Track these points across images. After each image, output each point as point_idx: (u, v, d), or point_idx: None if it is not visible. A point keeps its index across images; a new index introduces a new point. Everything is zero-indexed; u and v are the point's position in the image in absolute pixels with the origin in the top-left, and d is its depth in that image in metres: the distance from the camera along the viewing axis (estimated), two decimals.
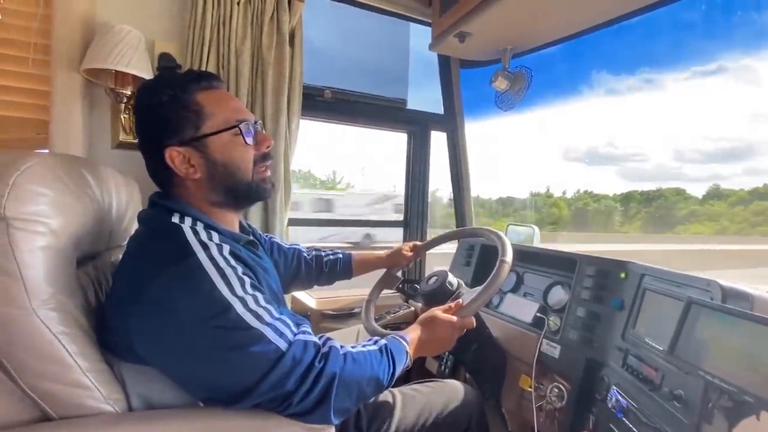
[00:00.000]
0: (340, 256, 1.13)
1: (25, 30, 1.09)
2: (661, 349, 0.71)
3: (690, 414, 0.63)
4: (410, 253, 1.15)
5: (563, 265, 1.14)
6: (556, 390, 0.97)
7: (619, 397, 0.78)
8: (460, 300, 0.84)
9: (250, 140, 0.69)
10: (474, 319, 0.81)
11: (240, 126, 0.67)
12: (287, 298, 1.35)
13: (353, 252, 1.17)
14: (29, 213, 0.51)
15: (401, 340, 0.72)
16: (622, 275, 0.92)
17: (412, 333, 0.75)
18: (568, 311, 1.02)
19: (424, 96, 1.88)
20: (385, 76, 1.81)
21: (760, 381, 0.52)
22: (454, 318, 0.77)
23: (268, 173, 0.74)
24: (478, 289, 0.83)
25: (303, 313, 1.49)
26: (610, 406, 0.80)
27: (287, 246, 1.08)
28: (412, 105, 1.72)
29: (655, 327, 0.77)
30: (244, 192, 0.71)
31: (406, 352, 0.71)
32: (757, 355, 0.53)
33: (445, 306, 0.82)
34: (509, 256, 0.84)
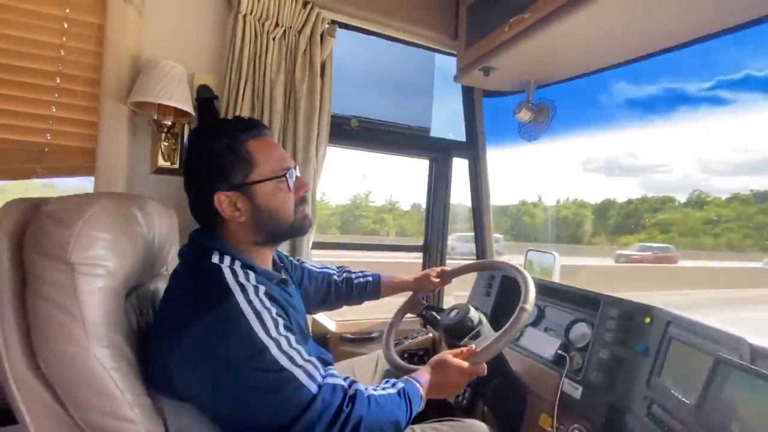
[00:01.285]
0: (370, 278, 1.16)
1: (78, 65, 1.18)
2: (688, 403, 0.71)
3: None
4: (437, 280, 1.17)
5: (586, 302, 1.14)
6: None
7: None
8: (474, 345, 0.84)
9: (292, 188, 0.74)
10: (485, 367, 0.81)
11: (286, 175, 0.73)
12: (310, 319, 1.38)
13: (382, 274, 1.20)
14: (91, 257, 0.55)
15: (416, 383, 0.74)
16: (647, 320, 0.92)
17: (424, 376, 0.77)
18: (590, 351, 1.01)
19: (448, 110, 1.91)
20: (409, 102, 1.85)
21: None
22: (465, 364, 0.78)
23: (307, 212, 0.80)
24: (495, 334, 0.83)
25: (322, 336, 1.51)
26: None
27: (317, 270, 1.11)
28: (435, 119, 1.77)
29: (682, 379, 0.76)
30: (286, 232, 0.77)
31: (421, 395, 0.73)
32: None
33: (457, 351, 0.81)
34: (530, 304, 0.84)
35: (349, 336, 1.54)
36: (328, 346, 1.49)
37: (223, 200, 0.69)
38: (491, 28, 1.30)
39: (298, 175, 0.78)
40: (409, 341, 1.58)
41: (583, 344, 1.08)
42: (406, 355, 1.54)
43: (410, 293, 1.20)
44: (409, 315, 1.25)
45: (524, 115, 1.52)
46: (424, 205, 1.84)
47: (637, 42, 1.20)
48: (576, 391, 0.99)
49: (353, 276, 1.15)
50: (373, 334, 1.57)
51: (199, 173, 0.72)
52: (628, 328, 0.96)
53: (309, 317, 1.39)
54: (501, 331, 0.82)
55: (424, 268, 1.79)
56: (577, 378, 1.00)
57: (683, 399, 0.73)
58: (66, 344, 0.53)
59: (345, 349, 1.51)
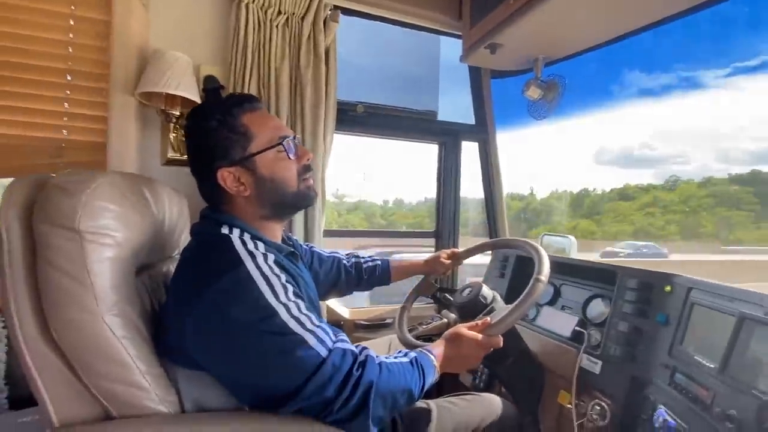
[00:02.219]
0: (379, 262, 1.15)
1: (86, 61, 1.21)
2: (712, 366, 0.68)
3: None
4: (448, 261, 1.15)
5: (603, 277, 1.11)
6: (598, 408, 0.93)
7: (668, 417, 0.74)
8: (488, 318, 0.82)
9: (292, 155, 0.73)
10: (501, 339, 0.79)
11: (283, 143, 0.72)
12: (323, 307, 1.39)
13: (391, 259, 1.19)
14: (99, 226, 0.56)
15: (429, 354, 0.73)
16: (667, 289, 0.89)
17: (438, 348, 0.75)
18: (609, 325, 0.99)
19: (455, 103, 1.89)
20: (415, 88, 1.84)
21: None
22: (480, 336, 0.76)
23: (311, 182, 0.79)
24: (509, 307, 0.81)
25: (336, 323, 1.52)
26: (657, 426, 0.76)
27: (326, 254, 1.11)
28: (442, 111, 1.74)
29: (705, 343, 0.73)
30: (291, 202, 0.76)
31: (434, 366, 0.72)
32: None
33: (472, 323, 0.80)
34: (545, 275, 0.82)
35: (363, 322, 1.54)
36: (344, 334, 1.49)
37: (226, 176, 0.69)
38: (495, 3, 1.28)
39: (299, 143, 0.78)
40: (424, 327, 1.56)
41: (602, 320, 1.05)
42: (420, 341, 1.53)
43: (425, 278, 1.19)
44: (423, 302, 1.24)
45: (533, 93, 1.49)
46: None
47: (647, 7, 1.16)
48: (595, 366, 0.96)
49: (362, 261, 1.15)
50: (387, 320, 1.56)
51: (199, 154, 0.72)
52: (648, 299, 0.93)
53: (323, 305, 1.40)
54: (516, 302, 0.80)
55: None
56: (596, 353, 0.98)
57: (707, 363, 0.70)
58: (76, 311, 0.54)
59: (359, 335, 1.51)
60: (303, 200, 0.78)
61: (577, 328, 1.08)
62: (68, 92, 1.21)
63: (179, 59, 1.18)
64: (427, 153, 1.80)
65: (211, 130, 0.70)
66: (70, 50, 1.20)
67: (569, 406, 0.98)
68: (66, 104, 1.22)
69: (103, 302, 0.56)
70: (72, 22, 1.18)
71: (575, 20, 1.22)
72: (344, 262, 1.13)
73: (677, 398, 0.75)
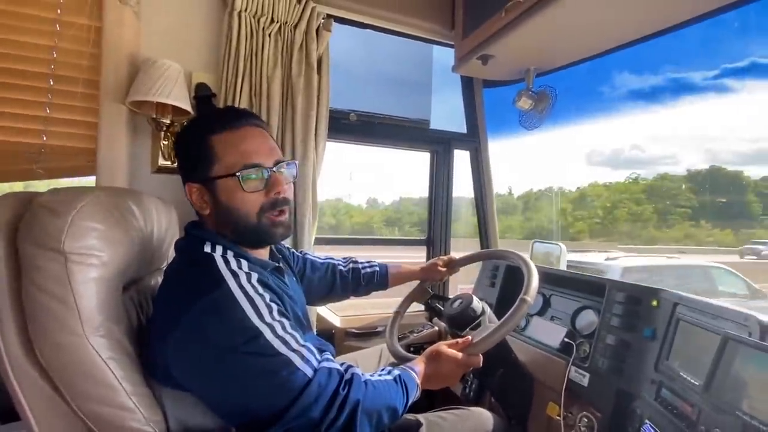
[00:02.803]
0: (377, 268, 1.15)
1: (76, 67, 1.19)
2: (697, 384, 0.69)
3: None
4: (444, 268, 1.16)
5: (592, 289, 1.12)
6: (586, 420, 0.94)
7: None
8: (470, 337, 0.82)
9: (250, 187, 0.68)
10: (481, 358, 0.79)
11: (240, 173, 0.67)
12: (313, 313, 1.38)
13: (389, 264, 1.19)
14: (84, 247, 0.56)
15: (412, 371, 0.73)
16: (654, 303, 0.90)
17: (419, 365, 0.76)
18: (597, 338, 1.00)
19: (448, 105, 1.90)
20: (408, 94, 1.84)
21: None
22: (459, 355, 0.76)
23: (281, 218, 0.72)
24: (493, 325, 0.81)
25: (327, 331, 1.51)
26: None
27: (320, 260, 1.11)
28: (435, 113, 1.75)
29: (691, 360, 0.74)
30: (250, 234, 0.71)
31: (416, 384, 0.72)
32: None
33: (453, 341, 0.80)
34: (531, 296, 0.82)
35: (354, 331, 1.54)
36: (333, 341, 1.49)
37: (193, 192, 0.71)
38: (487, 15, 1.29)
39: (279, 172, 0.71)
40: (415, 335, 1.57)
41: (590, 331, 1.06)
42: (411, 349, 1.53)
43: (419, 284, 1.19)
44: (414, 308, 1.24)
45: (524, 104, 1.50)
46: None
47: (638, 23, 1.17)
48: (583, 379, 0.97)
49: (360, 266, 1.14)
50: (379, 329, 1.57)
51: (179, 164, 0.75)
52: (635, 312, 0.94)
53: (314, 313, 1.39)
54: (499, 323, 0.80)
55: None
56: (585, 365, 0.99)
57: (692, 380, 0.71)
58: (61, 333, 0.53)
59: (350, 343, 1.51)
60: (264, 236, 0.72)
61: (566, 340, 1.09)
62: (50, 97, 1.20)
63: (170, 67, 1.17)
64: (403, 155, 1.81)
65: (186, 143, 0.72)
66: (55, 55, 1.19)
67: (558, 417, 0.99)
68: (47, 109, 1.20)
69: (89, 324, 0.55)
70: (58, 27, 1.17)
71: (566, 34, 1.23)
72: (340, 267, 1.12)
73: (663, 413, 0.76)
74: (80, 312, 0.54)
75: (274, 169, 0.71)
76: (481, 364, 0.78)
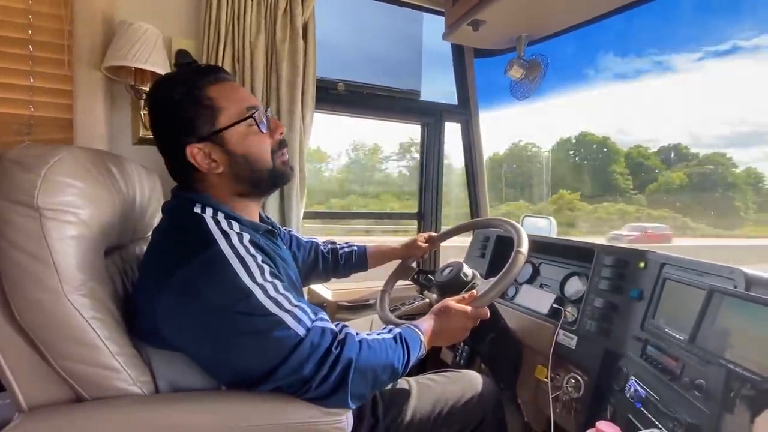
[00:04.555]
0: (355, 248, 1.15)
1: (47, 31, 1.13)
2: (681, 338, 0.70)
3: (711, 403, 0.62)
4: (425, 245, 1.16)
5: (580, 255, 1.13)
6: (573, 381, 0.96)
7: (638, 387, 0.77)
8: (474, 291, 0.84)
9: (264, 128, 0.70)
10: (488, 310, 0.82)
11: (253, 116, 0.68)
12: (305, 290, 1.38)
13: (368, 244, 1.18)
14: (60, 203, 0.53)
15: (415, 329, 0.73)
16: (641, 265, 0.91)
17: (427, 322, 0.76)
18: (585, 302, 1.01)
19: (439, 88, 1.87)
20: (397, 67, 1.80)
21: None
22: (468, 308, 0.78)
23: (287, 157, 0.76)
24: (493, 279, 0.83)
25: (319, 304, 1.51)
26: (628, 396, 0.79)
27: (305, 240, 1.10)
28: (425, 95, 1.72)
29: (676, 317, 0.75)
30: (267, 179, 0.72)
31: (421, 341, 0.72)
32: None
33: (459, 296, 0.82)
34: (525, 247, 0.84)
35: (345, 303, 1.54)
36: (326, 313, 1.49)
37: (196, 153, 0.66)
38: None
39: (272, 116, 0.75)
40: (406, 307, 1.58)
41: (578, 297, 1.08)
42: (403, 321, 1.55)
43: (402, 262, 1.19)
44: (405, 283, 1.24)
45: (516, 72, 1.48)
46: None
47: None
48: (571, 341, 0.99)
49: (338, 247, 1.14)
50: (370, 301, 1.57)
51: (165, 129, 0.68)
52: (623, 275, 0.95)
53: (304, 288, 1.39)
54: (500, 274, 0.82)
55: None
56: (573, 328, 1.00)
57: (677, 336, 0.72)
58: (38, 291, 0.51)
59: (342, 316, 1.51)
60: (280, 177, 0.74)
61: (555, 305, 1.10)
62: (31, 63, 1.14)
63: (148, 31, 1.12)
64: None
65: (175, 103, 0.65)
66: (31, 18, 1.12)
67: (546, 380, 1.01)
68: (31, 78, 1.15)
69: (68, 282, 0.53)
70: None
71: None
72: (321, 248, 1.11)
73: (648, 369, 0.78)
74: (58, 269, 0.52)
75: (268, 112, 0.73)
76: (488, 315, 0.81)
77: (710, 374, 0.64)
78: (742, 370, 0.55)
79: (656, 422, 0.71)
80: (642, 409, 0.75)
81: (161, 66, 1.12)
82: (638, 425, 0.74)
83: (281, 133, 0.74)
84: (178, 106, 0.65)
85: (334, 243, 1.16)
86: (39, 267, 0.51)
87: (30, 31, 1.13)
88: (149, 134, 1.25)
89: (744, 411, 0.59)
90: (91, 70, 1.13)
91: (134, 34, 1.10)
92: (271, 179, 0.73)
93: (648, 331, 0.82)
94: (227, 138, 0.67)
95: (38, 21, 1.12)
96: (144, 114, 1.22)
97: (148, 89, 1.18)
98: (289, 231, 1.10)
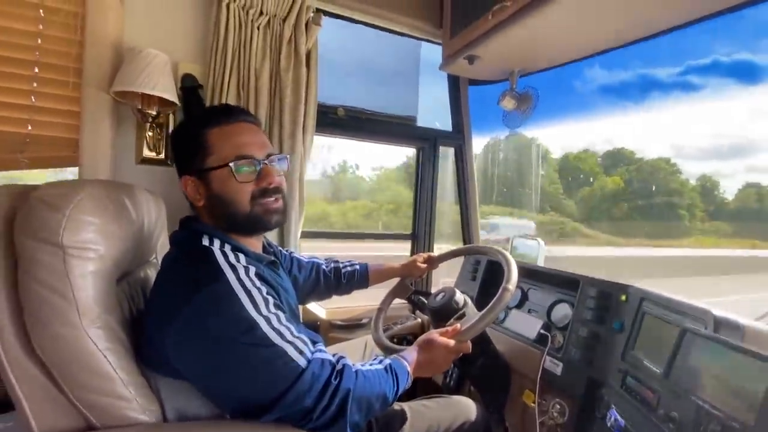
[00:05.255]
0: (358, 267, 1.19)
1: (62, 54, 1.16)
2: (658, 372, 0.75)
3: None
4: (424, 265, 1.20)
5: (567, 284, 1.18)
6: (558, 406, 1.00)
7: (618, 417, 0.82)
8: (458, 325, 0.87)
9: (242, 178, 0.71)
10: (470, 345, 0.84)
11: (233, 164, 0.70)
12: (300, 308, 1.40)
13: (370, 263, 1.22)
14: (82, 241, 0.57)
15: (403, 360, 0.77)
16: (623, 298, 0.96)
17: (412, 354, 0.80)
18: (570, 330, 1.06)
19: (435, 103, 1.93)
20: (395, 93, 1.86)
21: (748, 410, 0.56)
22: (451, 342, 0.81)
23: (275, 205, 0.76)
24: (479, 314, 0.87)
25: (313, 323, 1.54)
26: (608, 425, 0.83)
27: (306, 260, 1.14)
28: (422, 107, 1.78)
29: (653, 350, 0.81)
30: (243, 222, 0.74)
31: (408, 372, 0.76)
32: (743, 385, 0.57)
33: (443, 329, 0.85)
34: (513, 284, 0.88)
35: (339, 323, 1.57)
36: (318, 332, 1.51)
37: (188, 184, 0.74)
38: (475, 16, 1.32)
39: (270, 165, 0.75)
40: (399, 327, 1.61)
41: (564, 324, 1.12)
42: (395, 340, 1.58)
43: (400, 281, 1.23)
44: (398, 301, 1.28)
45: (508, 104, 1.55)
46: None
47: (618, 30, 1.23)
48: (557, 368, 1.04)
49: (341, 265, 1.18)
50: (363, 321, 1.60)
51: (174, 158, 0.79)
52: (606, 307, 1.00)
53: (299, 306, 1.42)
54: (485, 310, 0.85)
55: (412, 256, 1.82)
56: (558, 355, 1.05)
57: (654, 369, 0.77)
58: (60, 326, 0.54)
59: (335, 335, 1.54)
60: (258, 223, 0.75)
61: (542, 331, 1.15)
62: (35, 85, 1.17)
63: (157, 57, 1.15)
64: None
65: (181, 137, 0.75)
66: (39, 42, 1.15)
67: (533, 404, 1.05)
68: (33, 97, 1.17)
69: (86, 316, 0.56)
70: (42, 13, 1.14)
71: (550, 39, 1.27)
72: (323, 267, 1.15)
73: (627, 399, 0.83)
74: (78, 304, 0.55)
75: (266, 161, 0.75)
76: (470, 350, 0.84)
77: (683, 408, 0.69)
78: (710, 407, 0.60)
79: None
80: None
81: (169, 91, 1.16)
82: None
83: (269, 183, 0.74)
84: (182, 141, 0.75)
85: (336, 261, 1.19)
86: (61, 302, 0.54)
87: (37, 53, 1.15)
88: (152, 154, 1.28)
89: None
90: (98, 92, 1.16)
91: (143, 61, 1.14)
92: (247, 223, 0.74)
93: (628, 362, 0.87)
94: (211, 178, 0.72)
95: (48, 44, 1.15)
96: (149, 135, 1.26)
97: (154, 112, 1.22)
98: (291, 253, 1.13)
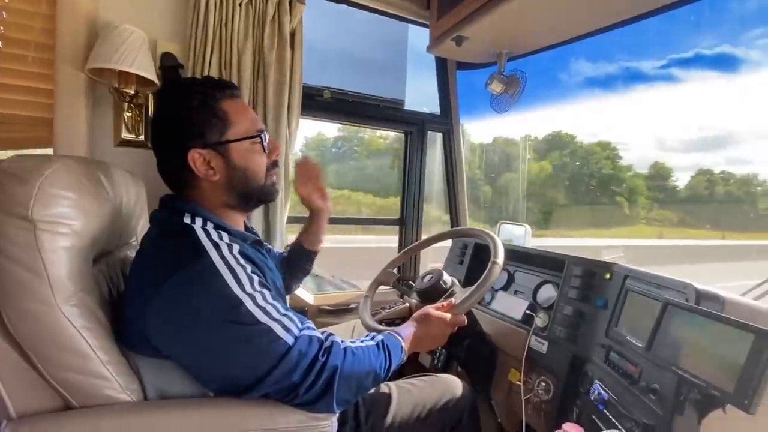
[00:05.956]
0: (290, 246, 1.15)
1: (29, 29, 1.11)
2: (640, 346, 0.76)
3: (664, 406, 0.69)
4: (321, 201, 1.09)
5: (552, 264, 1.19)
6: (543, 384, 1.02)
7: (601, 391, 0.83)
8: (453, 299, 0.89)
9: (260, 150, 0.74)
10: (465, 317, 0.86)
11: (261, 136, 0.74)
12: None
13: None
14: (54, 215, 0.54)
15: (397, 336, 0.77)
16: (607, 276, 0.98)
17: (407, 329, 0.80)
18: (555, 309, 1.07)
19: (423, 89, 1.92)
20: (383, 76, 1.84)
21: (727, 377, 0.57)
22: (447, 315, 0.82)
23: (275, 178, 0.80)
24: (471, 288, 0.88)
25: (300, 309, 1.53)
26: (592, 398, 0.85)
27: (278, 254, 1.12)
28: (409, 95, 1.76)
29: (636, 326, 0.82)
30: (256, 195, 0.77)
31: (402, 347, 0.76)
32: (723, 353, 0.58)
33: (438, 304, 0.86)
34: (501, 258, 0.89)
35: (327, 308, 1.56)
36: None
37: (197, 158, 0.69)
38: None
39: (271, 139, 0.79)
40: (386, 311, 1.61)
41: (549, 304, 1.14)
42: (384, 324, 1.58)
43: (384, 269, 1.21)
44: (386, 288, 1.28)
45: (496, 87, 1.54)
46: None
47: (603, 13, 1.23)
48: (542, 347, 1.05)
49: (283, 255, 1.13)
50: (351, 305, 1.60)
51: (172, 129, 0.70)
52: (590, 285, 1.02)
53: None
54: (477, 283, 0.87)
55: (400, 241, 1.82)
56: (544, 334, 1.06)
57: (636, 343, 0.79)
58: (32, 302, 0.52)
59: (323, 320, 1.53)
60: (267, 195, 0.79)
61: (528, 312, 1.16)
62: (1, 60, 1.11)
63: (134, 34, 1.11)
64: None
65: (190, 108, 0.69)
66: (5, 15, 1.10)
67: (518, 383, 1.07)
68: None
69: (60, 293, 0.54)
70: None
71: (538, 18, 1.27)
72: (285, 255, 1.14)
73: (611, 374, 0.84)
74: (51, 280, 0.53)
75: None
76: (466, 322, 0.86)
77: (664, 380, 0.70)
78: (691, 376, 0.62)
79: (616, 423, 0.77)
80: (604, 410, 0.81)
81: (146, 69, 1.12)
82: (601, 426, 0.80)
83: (277, 155, 0.79)
84: (193, 111, 0.69)
85: (282, 252, 1.16)
86: (32, 278, 0.52)
87: (1, 27, 1.10)
88: (132, 136, 1.24)
89: (692, 413, 0.66)
90: (73, 70, 1.11)
91: (119, 37, 1.09)
92: (260, 196, 0.77)
93: (611, 338, 0.88)
94: (232, 150, 0.71)
95: (13, 17, 1.09)
96: (128, 116, 1.21)
97: (132, 91, 1.17)
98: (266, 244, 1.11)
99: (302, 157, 1.14)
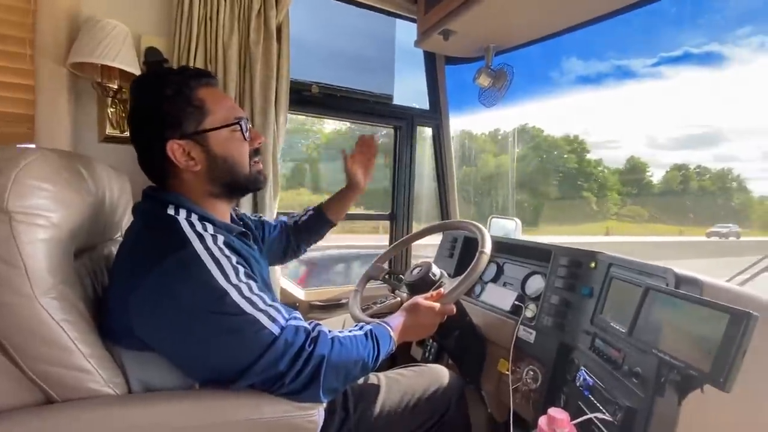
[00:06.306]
0: (311, 210, 1.16)
1: (7, 23, 1.09)
2: (623, 331, 0.78)
3: (646, 388, 0.70)
4: (361, 171, 1.12)
5: (540, 255, 1.20)
6: (532, 372, 1.03)
7: (587, 377, 0.84)
8: (442, 289, 0.89)
9: (243, 138, 0.73)
10: (454, 306, 0.87)
11: (240, 123, 0.72)
12: (276, 287, 1.39)
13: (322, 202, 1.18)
14: (31, 207, 0.53)
15: (386, 325, 0.77)
16: (592, 265, 0.99)
17: (397, 319, 0.81)
18: (543, 299, 1.08)
19: (412, 87, 1.92)
20: (371, 71, 1.84)
21: (704, 357, 0.58)
22: (436, 305, 0.83)
23: (261, 166, 0.79)
24: (459, 278, 0.88)
25: (291, 304, 1.53)
26: (578, 385, 0.86)
27: (274, 222, 1.12)
28: (398, 94, 1.76)
29: (619, 312, 0.83)
30: (242, 184, 0.75)
31: (390, 336, 0.76)
32: (701, 335, 0.59)
33: (428, 294, 0.87)
34: (488, 248, 0.90)
35: (318, 303, 1.56)
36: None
37: (176, 149, 0.67)
38: None
39: (251, 127, 0.78)
40: (378, 306, 1.62)
41: (537, 294, 1.15)
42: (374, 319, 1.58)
43: (374, 263, 1.22)
44: (377, 283, 1.28)
45: (484, 81, 1.55)
46: None
47: (589, 5, 1.24)
48: (530, 336, 1.06)
49: (296, 216, 1.17)
50: (342, 301, 1.60)
51: (148, 121, 0.69)
52: (576, 274, 1.03)
53: (277, 286, 1.40)
54: (465, 273, 0.88)
55: (391, 235, 1.82)
56: (532, 324, 1.07)
57: (619, 328, 0.80)
58: (8, 294, 0.51)
59: (314, 315, 1.53)
60: (253, 183, 0.77)
61: (516, 303, 1.17)
62: None
63: (116, 28, 1.10)
64: None
65: (165, 98, 0.67)
66: None
67: (507, 372, 1.08)
68: None
69: (39, 285, 0.53)
70: None
71: (525, 11, 1.27)
72: (288, 222, 1.15)
73: (595, 360, 0.85)
74: (29, 273, 0.52)
75: (248, 122, 0.76)
76: (455, 311, 0.86)
77: (646, 363, 0.71)
78: (671, 358, 0.63)
79: (601, 408, 0.78)
80: (589, 396, 0.83)
81: (131, 64, 1.11)
82: (586, 411, 0.81)
83: (259, 143, 0.78)
84: (168, 101, 0.67)
85: (293, 215, 1.18)
86: (9, 271, 0.51)
87: None
88: (116, 132, 1.23)
89: (672, 394, 0.67)
90: (54, 65, 1.10)
91: (101, 31, 1.08)
92: (245, 184, 0.76)
93: (596, 325, 0.90)
94: (210, 139, 0.70)
95: None
96: (111, 111, 1.20)
97: (115, 86, 1.16)
98: (260, 217, 1.11)
99: (371, 135, 1.16)
